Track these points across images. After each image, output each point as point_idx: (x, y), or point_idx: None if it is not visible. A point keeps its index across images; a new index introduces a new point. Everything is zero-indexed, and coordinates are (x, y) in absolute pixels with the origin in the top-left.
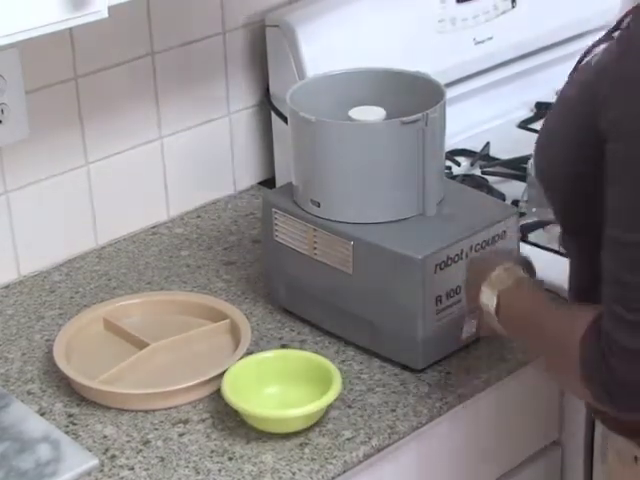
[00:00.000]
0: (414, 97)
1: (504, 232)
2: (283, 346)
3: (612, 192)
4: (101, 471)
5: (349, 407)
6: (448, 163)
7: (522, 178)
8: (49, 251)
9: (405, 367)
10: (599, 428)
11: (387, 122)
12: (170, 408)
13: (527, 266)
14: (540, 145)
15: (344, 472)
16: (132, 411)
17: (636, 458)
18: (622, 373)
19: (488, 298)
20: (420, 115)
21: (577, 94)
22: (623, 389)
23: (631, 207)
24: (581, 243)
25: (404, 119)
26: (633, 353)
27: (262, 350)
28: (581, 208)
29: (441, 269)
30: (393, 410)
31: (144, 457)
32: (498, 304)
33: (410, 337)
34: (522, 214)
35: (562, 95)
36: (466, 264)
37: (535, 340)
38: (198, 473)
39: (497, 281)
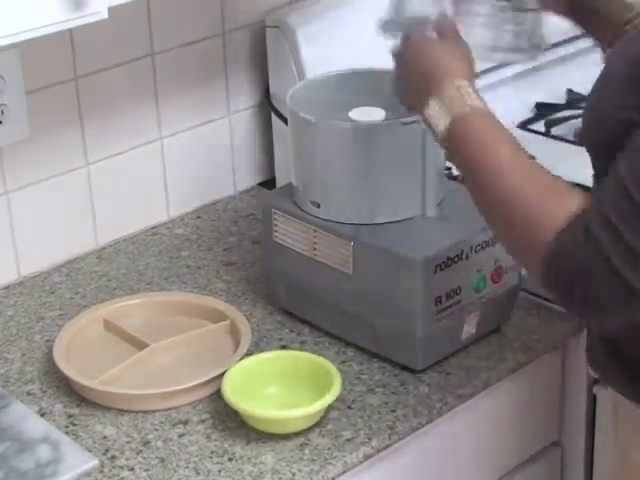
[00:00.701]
0: None
1: None
2: (283, 347)
3: None
4: (101, 472)
5: (349, 408)
6: (448, 164)
7: None
8: (49, 252)
9: (405, 368)
10: (605, 415)
11: (387, 123)
12: (170, 409)
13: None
14: (599, 80)
15: (344, 473)
16: (132, 412)
17: None
18: (596, 291)
19: (437, 117)
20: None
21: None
22: (590, 302)
23: None
24: None
25: (404, 120)
26: (625, 285)
27: (262, 351)
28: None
29: (441, 270)
30: (393, 411)
31: (144, 458)
32: (450, 131)
33: (410, 337)
34: None
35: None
36: (402, 42)
37: (490, 194)
38: (198, 474)
39: (449, 102)
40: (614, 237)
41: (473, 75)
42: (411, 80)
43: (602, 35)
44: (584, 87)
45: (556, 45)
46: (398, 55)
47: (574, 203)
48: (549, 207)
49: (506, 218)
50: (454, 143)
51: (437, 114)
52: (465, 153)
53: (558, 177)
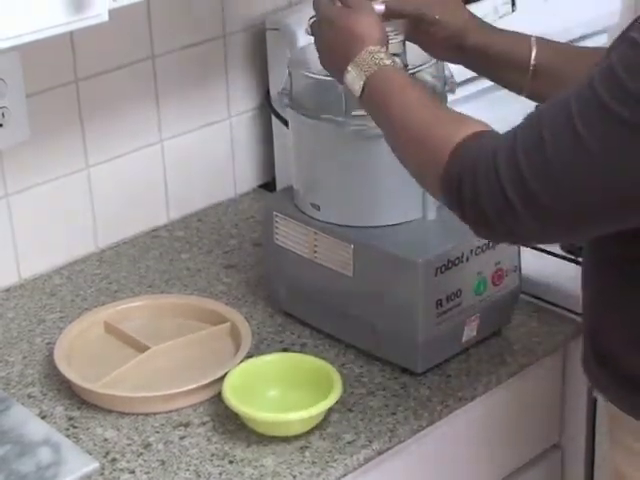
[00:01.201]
0: None
1: None
2: (284, 349)
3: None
4: (102, 474)
5: (350, 410)
6: None
7: None
8: (50, 254)
9: (405, 370)
10: (604, 421)
11: None
12: (171, 411)
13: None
14: None
15: (345, 475)
16: (133, 414)
17: None
18: (487, 205)
19: (354, 81)
20: None
21: None
22: (481, 215)
23: None
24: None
25: None
26: (510, 203)
27: (263, 353)
28: None
29: (441, 272)
30: (393, 413)
31: (145, 460)
32: (365, 90)
33: (410, 340)
34: None
35: None
36: (315, 11)
37: (400, 132)
38: (199, 476)
39: (362, 65)
40: (514, 171)
41: (384, 40)
42: (331, 52)
43: (510, 77)
44: None
45: None
46: (315, 27)
47: (470, 129)
48: (447, 133)
49: (413, 151)
50: (369, 98)
51: (354, 79)
52: (377, 103)
53: (459, 112)
